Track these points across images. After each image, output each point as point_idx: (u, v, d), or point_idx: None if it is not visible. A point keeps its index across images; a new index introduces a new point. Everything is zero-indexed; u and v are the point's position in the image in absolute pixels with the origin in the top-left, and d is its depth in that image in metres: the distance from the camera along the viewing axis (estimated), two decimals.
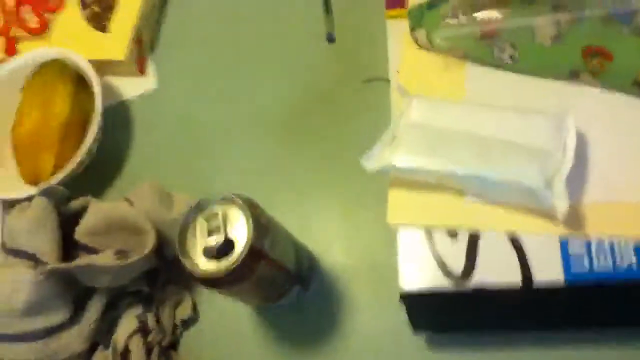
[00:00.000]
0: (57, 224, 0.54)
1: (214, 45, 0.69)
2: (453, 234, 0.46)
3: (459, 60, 0.52)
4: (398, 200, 0.48)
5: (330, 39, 0.64)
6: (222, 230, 0.44)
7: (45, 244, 0.53)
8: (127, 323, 0.53)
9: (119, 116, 0.67)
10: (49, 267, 0.51)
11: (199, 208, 0.46)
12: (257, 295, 0.53)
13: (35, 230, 0.53)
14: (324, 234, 0.58)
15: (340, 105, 0.62)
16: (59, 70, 0.65)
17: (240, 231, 0.45)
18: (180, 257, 0.45)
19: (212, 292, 0.49)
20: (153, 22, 0.71)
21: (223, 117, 0.65)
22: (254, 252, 0.44)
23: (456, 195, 0.47)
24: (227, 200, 0.46)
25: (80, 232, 0.55)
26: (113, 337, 0.53)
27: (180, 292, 0.57)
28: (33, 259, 0.53)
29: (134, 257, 0.51)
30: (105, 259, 0.52)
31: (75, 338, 0.52)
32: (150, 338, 0.53)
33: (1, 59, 0.72)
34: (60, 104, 0.63)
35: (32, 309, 0.51)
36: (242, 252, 0.44)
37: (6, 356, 0.53)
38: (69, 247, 0.56)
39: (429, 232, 0.47)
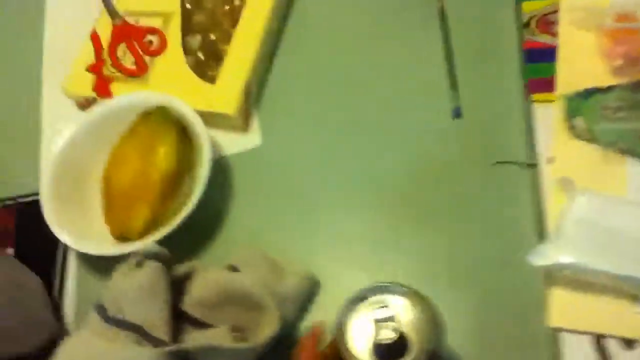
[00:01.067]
0: (169, 292, 0.49)
1: (325, 104, 0.65)
2: (629, 344, 0.43)
3: (619, 155, 0.50)
4: (562, 302, 0.45)
5: (457, 114, 0.60)
6: (393, 325, 0.39)
7: (156, 316, 0.48)
8: None
9: (217, 172, 0.62)
10: (168, 348, 0.46)
11: (360, 297, 0.41)
12: None
13: (146, 299, 0.48)
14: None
15: (463, 185, 0.58)
16: (163, 118, 0.61)
17: (413, 327, 0.40)
18: (343, 353, 0.40)
19: None
20: (261, 75, 0.67)
21: (330, 180, 0.61)
22: (432, 354, 0.40)
23: (629, 299, 0.45)
24: (392, 290, 0.41)
25: (189, 303, 0.51)
26: None
27: None
28: (139, 332, 0.48)
29: (260, 338, 0.46)
30: (224, 338, 0.47)
31: None
32: None
33: (92, 99, 0.68)
34: (164, 156, 0.59)
35: None
36: (420, 353, 0.39)
37: None
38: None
39: (598, 340, 0.43)
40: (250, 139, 0.65)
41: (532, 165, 0.55)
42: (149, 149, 0.60)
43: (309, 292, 0.55)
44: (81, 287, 0.62)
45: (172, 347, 0.46)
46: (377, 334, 0.39)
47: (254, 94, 0.67)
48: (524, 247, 0.51)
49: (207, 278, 0.51)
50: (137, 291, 0.48)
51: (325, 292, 0.56)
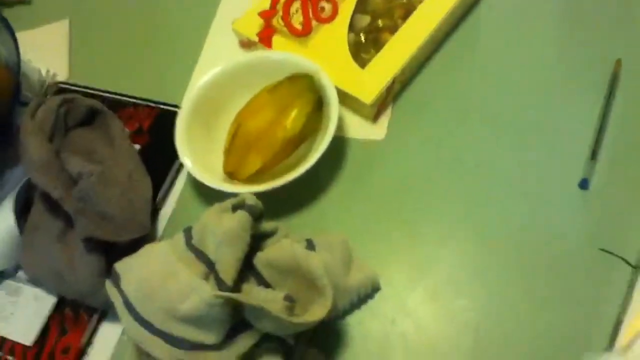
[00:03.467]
0: (248, 244, 0.54)
1: (459, 125, 0.66)
2: None
3: None
4: None
5: (584, 185, 0.60)
6: None
7: (230, 262, 0.53)
8: None
9: (334, 150, 0.67)
10: (226, 294, 0.51)
11: None
12: None
13: (227, 244, 0.53)
14: None
15: (572, 268, 0.56)
16: (306, 85, 0.65)
17: None
18: None
19: None
20: (410, 73, 0.70)
21: (435, 202, 0.62)
22: None
23: None
24: None
25: (261, 260, 0.56)
26: None
27: (316, 356, 0.56)
28: (211, 268, 0.54)
29: (307, 318, 0.50)
30: (276, 302, 0.51)
31: None
32: None
33: (253, 43, 0.73)
34: (294, 119, 0.63)
35: (191, 320, 0.51)
36: None
37: (146, 344, 0.53)
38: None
39: None
40: (376, 131, 0.68)
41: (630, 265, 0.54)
42: (283, 109, 0.64)
43: (368, 293, 0.58)
44: (179, 205, 0.69)
45: (228, 295, 0.50)
46: None
47: (395, 90, 0.70)
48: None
49: (284, 244, 0.55)
50: (223, 234, 0.53)
51: (382, 299, 0.59)
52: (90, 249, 0.60)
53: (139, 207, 0.64)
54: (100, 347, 0.62)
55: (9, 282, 0.67)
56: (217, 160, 0.67)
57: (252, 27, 0.74)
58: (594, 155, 0.61)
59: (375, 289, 0.59)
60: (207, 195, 0.68)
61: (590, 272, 0.56)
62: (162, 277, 0.53)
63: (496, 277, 0.58)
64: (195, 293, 0.51)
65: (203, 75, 0.71)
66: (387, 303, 0.59)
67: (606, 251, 0.55)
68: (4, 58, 0.75)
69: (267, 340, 0.54)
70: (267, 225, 0.58)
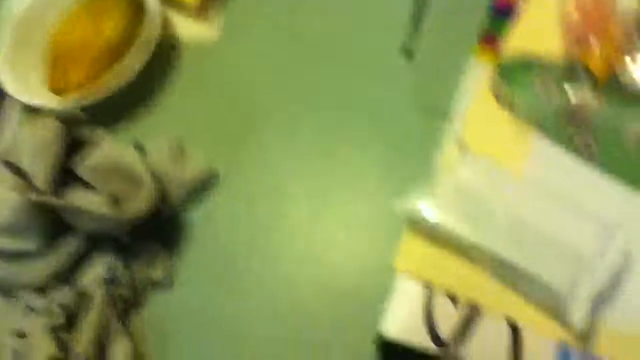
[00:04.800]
0: (63, 151, 0.53)
1: (292, 20, 0.66)
2: (455, 300, 0.45)
3: (530, 130, 0.50)
4: (411, 249, 0.47)
5: (409, 54, 0.62)
6: None
7: (43, 169, 0.52)
8: (96, 268, 0.53)
9: (165, 56, 0.65)
10: (37, 197, 0.50)
11: None
12: None
13: (39, 153, 0.52)
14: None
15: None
16: None
17: None
18: None
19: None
20: None
21: (284, 90, 0.62)
22: None
23: (474, 266, 0.46)
24: None
25: (82, 166, 0.55)
26: (79, 277, 0.53)
27: (158, 251, 0.56)
28: (25, 177, 0.53)
29: (127, 211, 0.50)
30: (98, 204, 0.51)
31: (39, 270, 0.52)
32: (116, 290, 0.53)
33: None
34: (112, 24, 0.62)
35: (5, 230, 0.51)
36: None
37: None
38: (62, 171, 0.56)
39: (429, 289, 0.46)
40: (207, 31, 0.67)
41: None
42: (99, 15, 0.63)
43: (203, 183, 0.58)
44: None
45: (43, 199, 0.50)
46: None
47: None
48: None
49: (104, 147, 0.55)
50: (32, 143, 0.52)
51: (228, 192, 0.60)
52: None
53: None
54: None
55: None
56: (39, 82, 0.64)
57: None
58: (415, 24, 0.62)
59: (211, 177, 0.59)
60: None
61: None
62: None
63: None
64: (4, 203, 0.50)
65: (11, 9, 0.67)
66: (232, 194, 0.59)
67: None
68: None
69: (102, 242, 0.54)
70: (87, 132, 0.56)
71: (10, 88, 0.62)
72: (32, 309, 0.53)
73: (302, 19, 0.67)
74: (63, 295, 0.52)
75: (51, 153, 0.53)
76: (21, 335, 0.52)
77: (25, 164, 0.53)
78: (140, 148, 0.57)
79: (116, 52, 0.62)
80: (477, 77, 0.54)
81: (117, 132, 0.62)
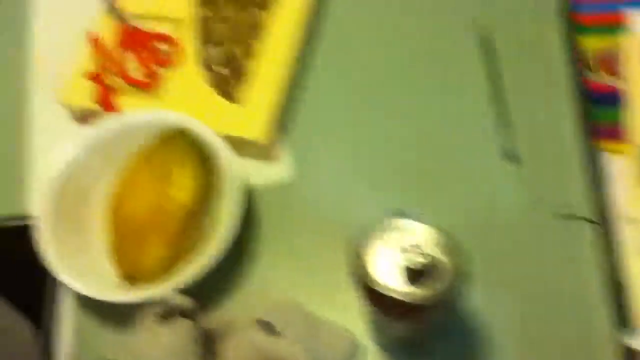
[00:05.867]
0: (199, 355, 0.44)
1: (361, 137, 0.60)
2: None
3: None
4: None
5: (512, 157, 0.57)
6: (422, 251, 0.38)
7: None
8: None
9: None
10: None
11: (379, 226, 0.40)
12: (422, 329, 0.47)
13: None
14: None
15: (524, 241, 0.54)
16: (182, 143, 0.54)
17: (442, 252, 0.39)
18: (370, 278, 0.38)
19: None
20: (289, 99, 0.62)
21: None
22: (463, 274, 0.39)
23: None
24: (414, 217, 0.40)
25: None
26: None
27: None
28: None
29: None
30: None
31: None
32: None
33: (91, 112, 0.61)
34: (182, 186, 0.52)
35: None
36: (451, 278, 0.38)
37: None
38: None
39: None
40: (279, 170, 0.59)
41: (595, 223, 0.53)
42: (165, 178, 0.53)
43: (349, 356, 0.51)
44: (80, 336, 0.53)
45: None
46: (404, 259, 0.38)
47: (281, 121, 0.61)
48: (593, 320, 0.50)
49: (244, 340, 0.46)
50: (166, 356, 0.43)
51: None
52: None
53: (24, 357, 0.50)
54: None
55: None
56: (103, 266, 0.53)
57: (84, 95, 0.61)
58: (504, 123, 0.58)
59: (354, 347, 0.50)
60: (111, 309, 0.53)
61: (553, 240, 0.53)
62: None
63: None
64: None
65: (46, 169, 0.56)
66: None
67: (565, 217, 0.53)
68: None
69: None
70: (210, 323, 0.48)
71: (72, 281, 0.51)
72: None
73: (367, 147, 0.60)
74: None
75: None
76: None
77: None
78: (269, 325, 0.47)
79: (192, 214, 0.53)
80: (620, 172, 0.52)
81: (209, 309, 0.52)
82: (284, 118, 0.62)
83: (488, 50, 0.63)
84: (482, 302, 0.52)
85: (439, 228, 0.40)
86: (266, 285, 0.55)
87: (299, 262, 0.56)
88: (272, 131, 0.59)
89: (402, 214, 0.41)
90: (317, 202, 0.58)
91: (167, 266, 0.53)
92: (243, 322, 0.48)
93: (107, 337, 0.53)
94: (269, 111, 0.59)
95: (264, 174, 0.59)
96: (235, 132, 0.57)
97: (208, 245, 0.53)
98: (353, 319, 0.52)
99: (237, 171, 0.55)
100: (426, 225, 0.40)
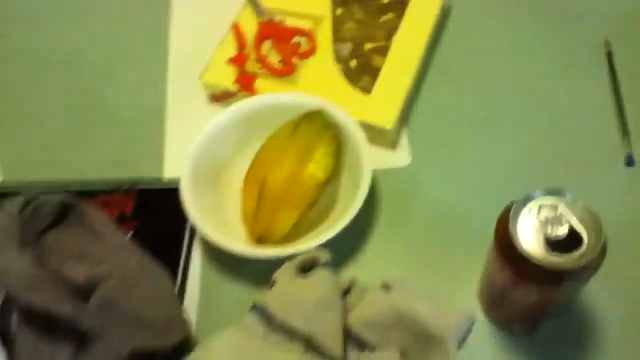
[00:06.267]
0: (342, 307, 0.47)
1: (476, 134, 0.64)
2: None
3: None
4: None
5: (630, 161, 0.60)
6: (563, 221, 0.42)
7: (332, 328, 0.46)
8: None
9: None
10: None
11: (529, 198, 0.44)
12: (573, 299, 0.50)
13: (323, 312, 0.46)
14: None
15: None
16: (323, 121, 0.59)
17: (584, 224, 0.42)
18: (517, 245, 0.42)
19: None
20: (413, 92, 0.67)
21: (479, 213, 0.58)
22: (603, 249, 0.42)
23: None
24: (560, 193, 0.44)
25: (356, 321, 0.48)
26: None
27: None
28: (309, 343, 0.46)
29: None
30: None
31: None
32: None
33: (227, 94, 0.66)
34: (322, 162, 0.57)
35: None
36: (594, 245, 0.41)
37: None
38: None
39: None
40: (399, 157, 0.64)
41: None
42: (305, 151, 0.58)
43: (469, 331, 0.52)
44: (204, 292, 0.58)
45: None
46: (548, 230, 0.42)
47: (404, 111, 0.66)
48: None
49: (375, 297, 0.49)
50: (315, 302, 0.46)
51: None
52: None
53: (168, 303, 0.53)
54: None
55: None
56: (232, 226, 0.59)
57: (225, 77, 0.67)
58: (624, 129, 0.62)
59: (472, 323, 0.53)
60: (233, 270, 0.59)
61: None
62: None
63: None
64: None
65: (186, 141, 0.61)
66: None
67: None
68: None
69: None
70: (343, 280, 0.51)
71: (214, 236, 0.55)
72: None
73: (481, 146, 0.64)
74: None
75: (336, 311, 0.46)
76: None
77: (302, 327, 0.46)
78: (386, 288, 0.51)
79: (323, 188, 0.58)
80: None
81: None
82: (406, 109, 0.67)
83: (610, 63, 0.67)
84: (600, 297, 0.54)
85: (582, 204, 0.43)
86: (383, 261, 0.58)
87: (413, 241, 0.59)
88: (397, 120, 0.64)
89: (550, 191, 0.44)
90: (432, 186, 0.62)
91: (295, 233, 0.58)
92: (369, 284, 0.51)
93: (228, 290, 0.58)
94: (395, 102, 0.64)
95: (387, 160, 0.63)
96: (364, 119, 0.62)
97: (335, 217, 0.58)
98: (467, 294, 0.55)
99: (368, 152, 0.59)
100: (570, 201, 0.43)
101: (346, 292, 0.50)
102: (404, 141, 0.65)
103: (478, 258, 0.53)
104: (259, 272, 0.57)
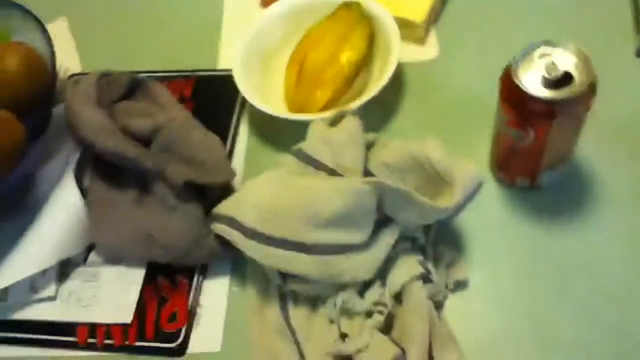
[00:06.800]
0: (364, 147, 0.55)
1: (500, 27, 0.71)
2: None
3: None
4: None
5: (639, 53, 0.66)
6: (557, 65, 0.49)
7: (356, 161, 0.53)
8: (409, 266, 0.52)
9: (392, 77, 0.67)
10: (375, 179, 0.50)
11: (530, 49, 0.50)
12: (567, 148, 0.55)
13: (348, 147, 0.53)
14: None
15: None
16: (359, 12, 0.67)
17: (575, 67, 0.49)
18: (517, 82, 0.49)
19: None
20: None
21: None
22: (592, 87, 0.49)
23: None
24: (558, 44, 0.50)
25: (376, 163, 0.55)
26: (390, 275, 0.52)
27: (453, 253, 0.56)
28: (333, 174, 0.54)
29: (444, 202, 0.50)
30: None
31: (363, 264, 0.51)
32: (430, 289, 0.52)
33: None
34: (357, 45, 0.65)
35: (338, 221, 0.50)
36: (583, 82, 0.48)
37: (284, 264, 0.51)
38: None
39: None
40: (428, 51, 0.71)
41: None
42: (344, 36, 0.66)
43: (476, 188, 0.57)
44: (249, 160, 0.67)
45: (379, 181, 0.49)
46: (546, 70, 0.49)
47: (434, 8, 0.73)
48: None
49: (395, 144, 0.56)
50: (344, 139, 0.53)
51: None
52: (187, 198, 0.58)
53: (218, 150, 0.61)
54: (211, 305, 0.58)
55: (81, 270, 0.62)
56: (275, 103, 0.67)
57: None
58: (637, 26, 0.66)
59: (480, 184, 0.57)
60: (274, 143, 0.67)
61: None
62: (291, 194, 0.52)
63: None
64: (339, 191, 0.50)
65: (234, 39, 0.71)
66: None
67: None
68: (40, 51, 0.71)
69: (401, 241, 0.53)
70: (368, 135, 0.57)
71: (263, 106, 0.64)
72: (348, 311, 0.52)
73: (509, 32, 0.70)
74: (378, 294, 0.52)
75: (359, 147, 0.53)
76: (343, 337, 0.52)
77: (330, 163, 0.53)
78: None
79: (356, 71, 0.65)
80: None
81: None
82: (437, 7, 0.73)
83: None
84: (600, 160, 0.60)
85: (575, 48, 0.50)
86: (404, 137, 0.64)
87: (435, 123, 0.66)
88: (427, 14, 0.70)
89: (546, 41, 0.51)
90: (456, 76, 0.69)
91: (329, 107, 0.64)
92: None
93: (269, 156, 0.66)
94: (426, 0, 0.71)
95: (416, 53, 0.70)
96: (396, 13, 0.68)
97: (365, 95, 0.64)
98: (480, 167, 0.61)
99: (398, 39, 0.65)
100: (564, 47, 0.50)
101: (370, 146, 0.57)
102: (432, 37, 0.72)
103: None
104: (296, 140, 0.62)
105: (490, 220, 0.59)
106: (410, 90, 0.69)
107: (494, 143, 0.60)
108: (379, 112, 0.67)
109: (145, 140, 0.61)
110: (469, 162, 0.55)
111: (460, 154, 0.55)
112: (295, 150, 0.57)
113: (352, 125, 0.55)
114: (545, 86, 0.49)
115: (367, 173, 0.56)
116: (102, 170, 0.64)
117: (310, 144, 0.55)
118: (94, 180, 0.64)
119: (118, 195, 0.62)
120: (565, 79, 0.49)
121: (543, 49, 0.51)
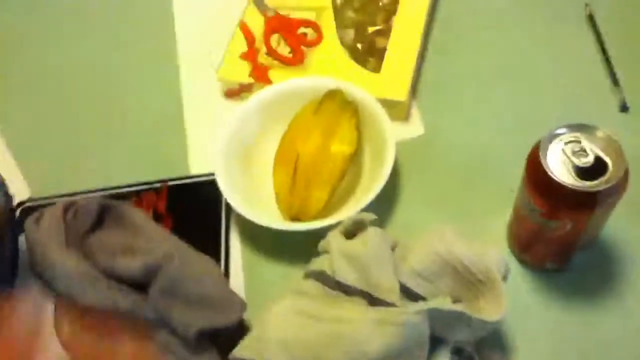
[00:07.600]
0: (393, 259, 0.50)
1: (481, 97, 0.69)
2: None
3: None
4: None
5: (624, 108, 0.65)
6: (588, 151, 0.47)
7: (389, 281, 0.48)
8: None
9: None
10: (425, 306, 0.46)
11: (556, 134, 0.48)
12: (599, 229, 0.53)
13: (378, 265, 0.48)
14: None
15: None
16: (342, 100, 0.63)
17: (607, 153, 0.47)
18: (551, 174, 0.46)
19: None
20: (418, 67, 0.72)
21: (493, 172, 0.63)
22: (626, 173, 0.47)
23: None
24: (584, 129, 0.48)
25: (407, 273, 0.50)
26: None
27: (500, 356, 0.52)
28: (367, 297, 0.48)
29: (492, 314, 0.46)
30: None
31: None
32: None
33: (243, 87, 0.70)
34: (348, 136, 0.61)
35: (387, 357, 0.45)
36: (619, 167, 0.46)
37: None
38: None
39: None
40: (413, 128, 0.68)
41: None
42: (332, 129, 0.62)
43: (507, 271, 0.54)
44: (248, 269, 0.61)
45: (432, 305, 0.45)
46: (575, 160, 0.46)
47: (412, 84, 0.70)
48: None
49: (416, 246, 0.51)
50: (371, 257, 0.48)
51: None
52: (201, 348, 0.50)
53: (221, 283, 0.55)
54: None
55: None
56: (266, 208, 0.62)
57: (240, 72, 0.70)
58: (614, 81, 0.66)
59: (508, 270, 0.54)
60: (272, 250, 0.62)
61: None
62: (321, 331, 0.46)
63: None
64: (382, 324, 0.45)
65: (202, 138, 0.68)
66: None
67: None
68: None
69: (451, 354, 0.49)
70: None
71: (255, 217, 0.58)
72: None
73: (487, 103, 0.68)
74: None
75: (390, 263, 0.49)
76: None
77: (359, 284, 0.48)
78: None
79: (350, 164, 0.61)
80: None
81: None
82: (414, 83, 0.71)
83: (593, 23, 0.71)
84: (627, 234, 0.58)
85: (603, 133, 0.48)
86: (412, 224, 0.62)
87: (438, 202, 0.63)
88: (408, 92, 0.68)
89: (571, 125, 0.48)
90: (447, 149, 0.66)
91: (326, 209, 0.61)
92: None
93: (271, 269, 0.61)
94: (405, 76, 0.68)
95: (400, 131, 0.67)
96: (377, 95, 0.65)
97: (362, 190, 0.61)
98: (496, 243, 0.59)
99: (388, 122, 0.62)
100: (590, 132, 0.47)
101: (392, 249, 0.52)
102: (415, 113, 0.69)
103: (501, 208, 0.58)
104: (297, 249, 0.59)
105: (526, 308, 0.56)
106: (405, 171, 0.65)
107: (514, 224, 0.57)
108: (378, 203, 0.60)
109: (135, 283, 0.54)
110: (492, 248, 0.52)
111: (475, 235, 0.52)
112: (314, 273, 0.51)
113: (375, 238, 0.49)
114: (577, 174, 0.47)
115: (402, 287, 0.50)
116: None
117: (338, 267, 0.49)
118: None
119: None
120: (596, 165, 0.47)
121: (568, 135, 0.48)
